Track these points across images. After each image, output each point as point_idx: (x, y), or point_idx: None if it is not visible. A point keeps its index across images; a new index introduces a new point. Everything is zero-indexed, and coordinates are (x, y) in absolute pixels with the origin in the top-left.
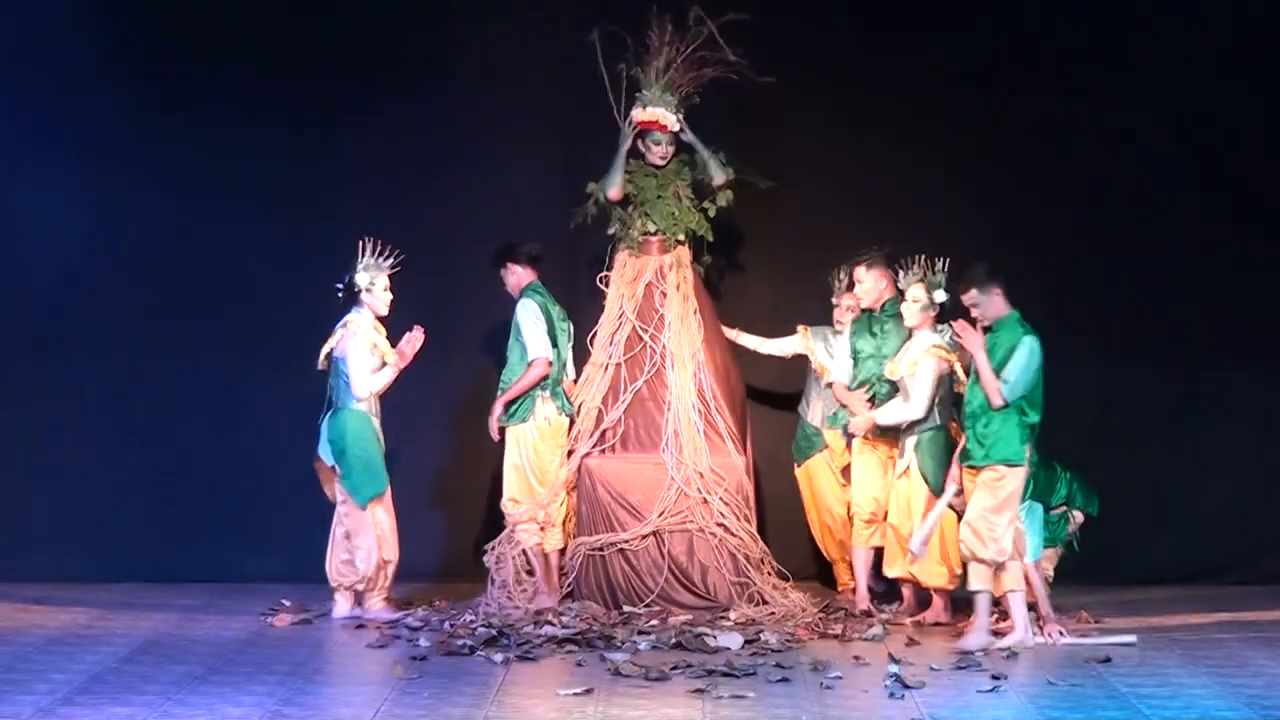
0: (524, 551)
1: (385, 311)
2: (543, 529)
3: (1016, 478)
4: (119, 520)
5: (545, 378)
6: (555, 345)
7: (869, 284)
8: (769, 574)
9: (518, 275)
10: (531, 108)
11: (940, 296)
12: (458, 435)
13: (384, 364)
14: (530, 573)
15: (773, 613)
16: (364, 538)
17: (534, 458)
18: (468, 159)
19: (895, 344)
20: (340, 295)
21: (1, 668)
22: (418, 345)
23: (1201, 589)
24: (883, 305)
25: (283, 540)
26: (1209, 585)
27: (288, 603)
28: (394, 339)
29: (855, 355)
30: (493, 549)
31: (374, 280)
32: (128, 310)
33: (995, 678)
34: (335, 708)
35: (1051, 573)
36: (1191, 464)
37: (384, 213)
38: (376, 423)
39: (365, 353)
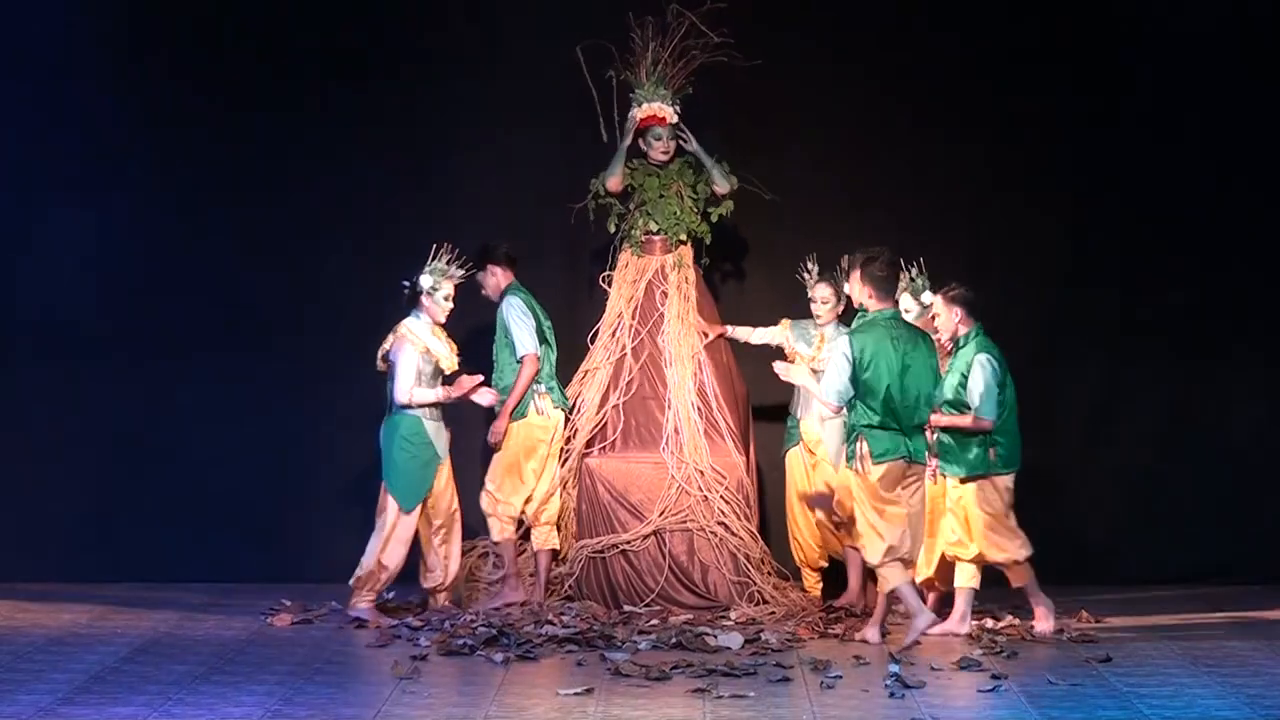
0: (493, 548)
1: (443, 319)
2: (528, 525)
3: (854, 478)
4: (119, 520)
5: (538, 373)
6: (545, 342)
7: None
8: (769, 573)
9: (498, 277)
10: (533, 108)
11: (927, 299)
12: (458, 436)
13: (438, 369)
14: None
15: (773, 612)
16: (379, 537)
17: (527, 454)
18: (468, 159)
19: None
20: (405, 293)
21: (2, 667)
22: (467, 391)
23: (1201, 589)
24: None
25: (283, 540)
26: (1209, 585)
27: (288, 602)
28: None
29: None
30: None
31: (438, 285)
32: (127, 310)
33: (996, 677)
34: (335, 707)
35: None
36: (1190, 463)
37: (385, 213)
38: (431, 426)
39: (414, 359)
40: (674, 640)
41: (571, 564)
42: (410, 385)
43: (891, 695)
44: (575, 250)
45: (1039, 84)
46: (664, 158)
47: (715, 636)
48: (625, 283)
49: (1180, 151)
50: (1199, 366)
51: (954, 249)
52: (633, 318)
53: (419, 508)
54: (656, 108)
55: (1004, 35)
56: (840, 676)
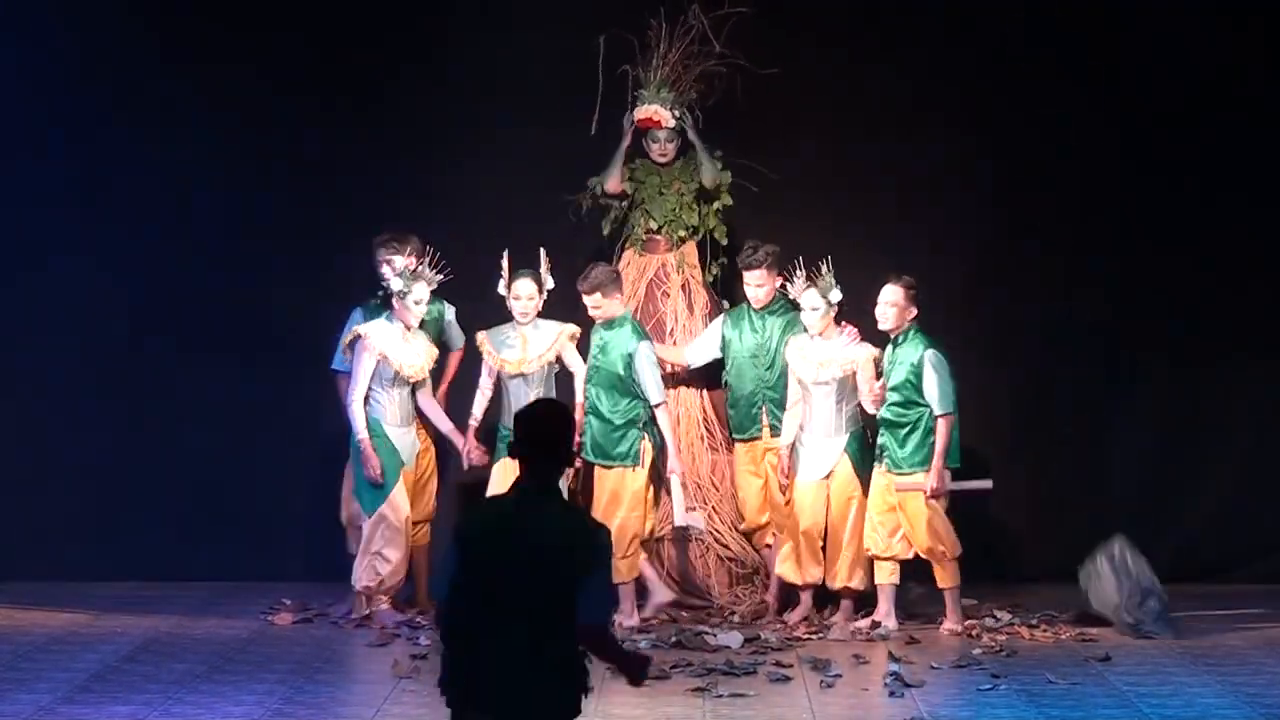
0: None
1: (414, 323)
2: None
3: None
4: (119, 519)
5: None
6: None
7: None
8: (764, 581)
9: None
10: (534, 106)
11: (836, 296)
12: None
13: (397, 375)
14: None
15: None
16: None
17: None
18: (468, 159)
19: (776, 345)
20: (379, 298)
21: (2, 666)
22: (469, 455)
23: (1201, 589)
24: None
25: (283, 539)
26: (1209, 585)
27: (288, 601)
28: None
29: (724, 346)
30: None
31: (407, 289)
32: (127, 309)
33: (995, 676)
34: (336, 706)
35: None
36: (1191, 463)
37: (386, 211)
38: (394, 431)
39: (369, 364)
40: (674, 639)
41: None
42: (358, 394)
43: (891, 694)
44: (575, 251)
45: (1039, 86)
46: (663, 160)
47: (715, 636)
48: (627, 282)
49: (1180, 151)
50: (1200, 366)
51: (955, 250)
52: (634, 318)
53: (384, 508)
54: (653, 110)
55: (1004, 37)
56: (840, 675)
